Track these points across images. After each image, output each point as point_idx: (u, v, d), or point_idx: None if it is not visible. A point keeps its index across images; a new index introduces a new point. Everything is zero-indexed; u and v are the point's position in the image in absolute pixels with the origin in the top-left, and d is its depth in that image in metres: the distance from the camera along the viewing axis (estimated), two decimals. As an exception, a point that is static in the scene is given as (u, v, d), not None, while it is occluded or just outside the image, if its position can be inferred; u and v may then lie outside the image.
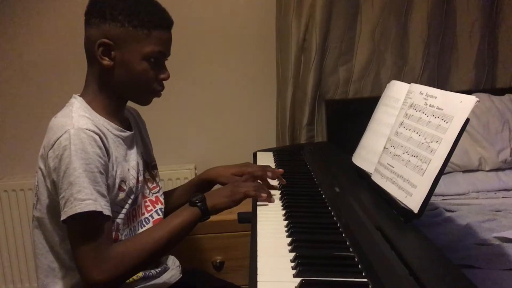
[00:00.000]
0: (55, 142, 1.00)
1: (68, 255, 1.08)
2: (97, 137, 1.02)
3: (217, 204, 1.14)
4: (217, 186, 1.31)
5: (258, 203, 1.18)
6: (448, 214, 1.54)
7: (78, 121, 1.02)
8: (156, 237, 1.06)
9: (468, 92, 1.90)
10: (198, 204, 1.12)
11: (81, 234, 0.98)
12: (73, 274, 1.08)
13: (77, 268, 1.00)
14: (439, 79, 2.09)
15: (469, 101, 0.93)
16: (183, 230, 1.10)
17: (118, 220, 1.09)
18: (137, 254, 1.03)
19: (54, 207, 1.04)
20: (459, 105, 0.95)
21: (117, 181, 1.09)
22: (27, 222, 2.10)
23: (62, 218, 0.98)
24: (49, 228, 1.08)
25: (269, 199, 1.20)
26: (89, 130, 1.01)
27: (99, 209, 0.97)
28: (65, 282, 1.09)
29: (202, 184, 1.38)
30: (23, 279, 2.15)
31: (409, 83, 1.20)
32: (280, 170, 1.34)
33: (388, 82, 1.37)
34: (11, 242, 2.12)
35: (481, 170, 1.86)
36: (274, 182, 1.33)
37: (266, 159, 1.66)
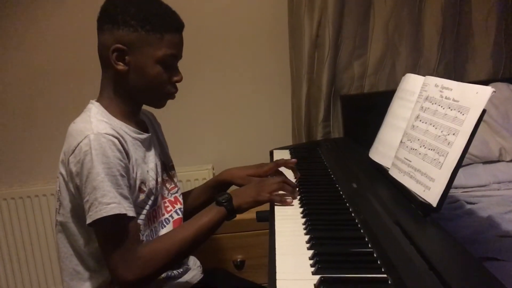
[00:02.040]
0: (76, 148, 1.02)
1: (92, 257, 1.10)
2: (116, 141, 1.03)
3: (242, 204, 1.15)
4: (233, 187, 1.32)
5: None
6: (469, 206, 1.52)
7: (97, 126, 1.04)
8: (183, 236, 1.08)
9: (486, 81, 1.88)
10: (225, 203, 1.12)
11: (109, 237, 1.01)
12: (97, 277, 1.10)
13: (108, 270, 1.02)
14: (456, 70, 2.06)
15: (485, 91, 0.92)
16: (210, 229, 1.11)
17: (139, 221, 1.11)
18: (165, 253, 1.04)
19: (77, 211, 1.07)
20: (475, 96, 0.94)
21: (138, 182, 1.11)
22: (50, 227, 2.14)
23: (87, 222, 1.00)
24: (72, 232, 1.10)
25: (294, 196, 1.19)
26: (108, 134, 1.03)
27: (123, 211, 0.99)
28: (90, 284, 1.11)
29: (218, 186, 1.39)
30: (48, 283, 2.20)
31: (425, 75, 1.19)
32: (293, 160, 1.37)
33: (404, 75, 1.36)
34: (35, 247, 2.17)
35: (502, 161, 1.83)
36: (291, 177, 1.33)
37: (283, 157, 1.65)
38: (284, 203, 1.16)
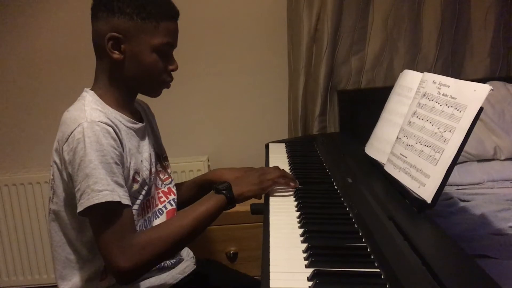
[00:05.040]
0: (69, 136, 1.01)
1: (85, 246, 1.10)
2: (110, 129, 1.03)
3: (245, 192, 1.13)
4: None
5: (270, 195, 1.19)
6: (462, 204, 1.52)
7: (91, 114, 1.03)
8: (180, 225, 1.05)
9: (483, 80, 1.88)
10: (224, 191, 1.11)
11: (102, 225, 0.98)
12: (90, 265, 1.10)
13: (102, 258, 1.00)
14: (453, 67, 2.06)
15: (483, 89, 0.92)
16: (208, 218, 1.09)
17: (133, 211, 1.10)
18: (162, 241, 1.02)
19: (70, 200, 1.06)
20: (473, 94, 0.93)
21: (131, 172, 1.10)
22: (43, 215, 2.14)
23: (78, 210, 0.98)
24: (66, 221, 1.10)
25: (295, 182, 1.20)
26: (102, 122, 1.02)
27: (116, 199, 0.98)
28: (82, 273, 1.11)
29: (205, 185, 1.37)
30: (40, 271, 2.20)
31: (423, 72, 1.19)
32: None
33: (401, 71, 1.36)
34: (28, 234, 2.17)
35: (497, 159, 1.84)
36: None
37: (279, 150, 1.66)
38: (288, 186, 1.16)
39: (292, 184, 1.18)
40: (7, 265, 2.19)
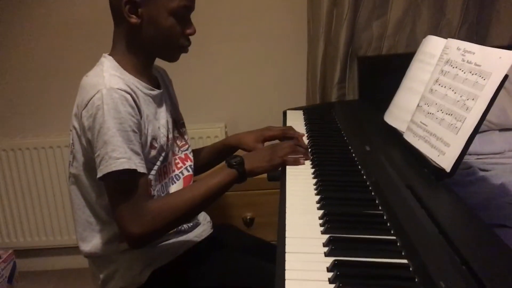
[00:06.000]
0: (89, 102, 1.01)
1: (104, 210, 1.12)
2: (128, 96, 1.03)
3: (255, 168, 1.14)
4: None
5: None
6: (482, 173, 1.50)
7: (109, 80, 1.03)
8: (192, 196, 1.08)
9: (510, 47, 1.82)
10: (236, 166, 1.12)
11: (118, 191, 1.01)
12: (109, 228, 1.13)
13: (116, 222, 1.03)
14: (479, 33, 1.99)
15: (509, 57, 0.89)
16: (219, 190, 1.11)
17: (150, 177, 1.11)
18: (173, 210, 1.05)
19: (90, 164, 1.07)
20: (498, 61, 0.91)
21: (149, 139, 1.11)
22: (64, 178, 2.18)
23: (98, 176, 1.00)
24: (85, 184, 1.12)
25: (307, 157, 1.19)
26: (120, 89, 1.02)
27: (133, 167, 0.99)
28: (102, 235, 1.14)
29: (225, 149, 1.39)
30: (62, 232, 2.27)
31: (446, 38, 1.15)
32: (301, 133, 1.35)
33: (424, 37, 1.32)
34: (50, 197, 2.23)
35: (519, 129, 1.80)
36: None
37: (296, 118, 1.65)
38: (298, 163, 1.16)
39: (301, 161, 1.17)
40: (30, 226, 2.26)
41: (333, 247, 0.75)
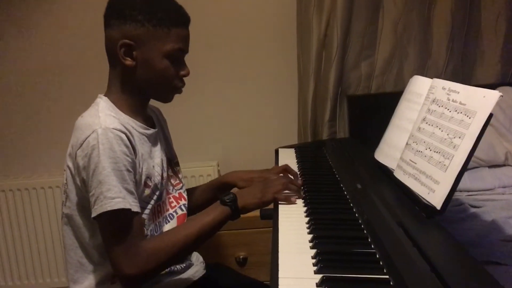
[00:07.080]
0: (84, 142, 1.02)
1: (97, 250, 1.11)
2: (123, 136, 1.04)
3: (248, 204, 1.15)
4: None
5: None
6: (473, 210, 1.51)
7: (105, 120, 1.05)
8: (186, 234, 1.08)
9: (494, 85, 1.88)
10: (229, 203, 1.13)
11: (112, 231, 1.01)
12: (101, 269, 1.11)
13: (110, 262, 1.03)
14: (464, 72, 2.05)
15: (493, 96, 0.92)
16: (213, 228, 1.11)
17: (144, 216, 1.11)
18: (167, 249, 1.05)
19: (83, 204, 1.07)
20: (482, 100, 0.93)
21: (143, 177, 1.11)
22: (55, 219, 2.16)
23: (92, 216, 1.01)
24: (78, 224, 1.11)
25: (299, 195, 1.19)
26: (116, 129, 1.03)
27: (127, 206, 1.00)
28: (94, 277, 1.12)
29: (222, 187, 1.40)
30: (52, 275, 2.22)
31: (433, 78, 1.19)
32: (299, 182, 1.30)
33: (411, 76, 1.36)
34: (40, 238, 2.19)
35: (508, 165, 1.82)
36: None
37: (288, 156, 1.66)
38: (289, 201, 1.16)
39: (293, 199, 1.17)
40: (19, 268, 2.22)
41: (326, 287, 0.75)
